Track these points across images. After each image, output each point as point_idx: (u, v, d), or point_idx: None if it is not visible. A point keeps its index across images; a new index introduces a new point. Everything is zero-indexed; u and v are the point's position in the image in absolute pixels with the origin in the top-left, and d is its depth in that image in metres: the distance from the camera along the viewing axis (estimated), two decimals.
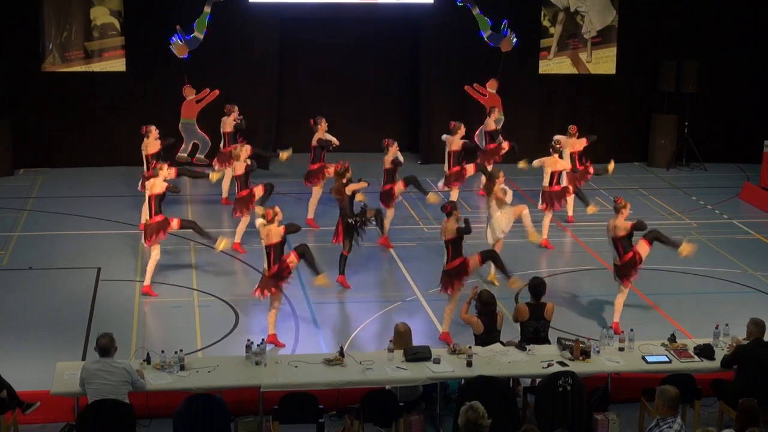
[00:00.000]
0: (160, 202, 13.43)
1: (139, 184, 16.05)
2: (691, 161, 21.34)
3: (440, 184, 16.98)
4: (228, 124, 17.56)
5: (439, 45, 20.99)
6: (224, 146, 17.49)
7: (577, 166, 16.70)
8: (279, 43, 20.60)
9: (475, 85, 20.10)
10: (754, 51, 21.26)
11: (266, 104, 20.37)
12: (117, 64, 20.17)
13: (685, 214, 17.91)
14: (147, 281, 13.59)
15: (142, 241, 13.73)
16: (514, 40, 20.55)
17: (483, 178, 18.23)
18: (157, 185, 13.44)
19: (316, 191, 16.59)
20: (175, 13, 19.74)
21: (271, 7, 20.31)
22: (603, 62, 21.45)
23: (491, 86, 20.26)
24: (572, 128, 16.80)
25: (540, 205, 15.66)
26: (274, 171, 19.42)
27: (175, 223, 13.59)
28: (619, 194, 13.59)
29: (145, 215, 14.12)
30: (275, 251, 11.79)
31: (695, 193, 19.37)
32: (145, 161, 16.19)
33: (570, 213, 17.09)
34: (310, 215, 16.51)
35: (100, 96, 20.11)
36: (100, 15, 20.03)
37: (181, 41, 19.63)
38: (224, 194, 17.81)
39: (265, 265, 11.87)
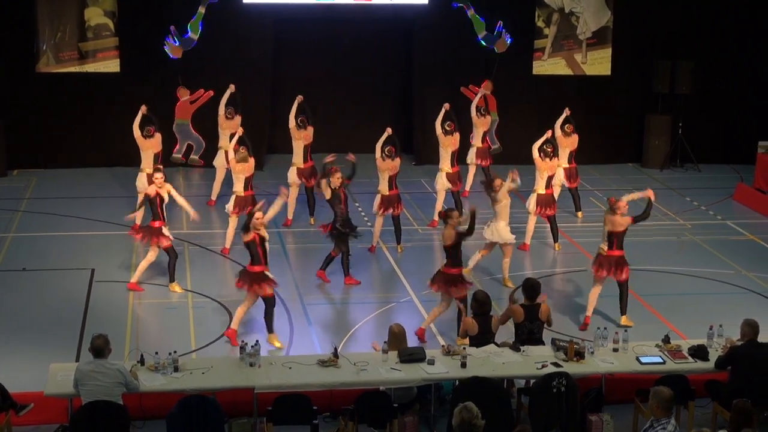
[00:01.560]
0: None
1: (143, 180, 15.98)
2: (684, 162, 21.35)
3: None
4: (232, 125, 17.46)
5: (434, 46, 20.99)
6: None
7: (571, 164, 16.81)
8: (273, 44, 20.60)
9: (470, 86, 20.09)
10: (748, 52, 21.28)
11: (260, 105, 20.37)
12: (111, 65, 20.16)
13: (679, 215, 17.93)
14: (134, 278, 13.70)
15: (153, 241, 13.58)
16: (509, 40, 20.54)
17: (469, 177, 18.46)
18: (167, 192, 13.61)
19: (294, 190, 16.61)
20: (169, 14, 19.68)
21: (265, 8, 20.30)
22: (598, 63, 21.46)
23: (486, 87, 20.25)
24: (569, 127, 16.82)
25: (535, 210, 15.55)
26: (267, 171, 19.47)
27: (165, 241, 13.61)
28: (613, 195, 13.60)
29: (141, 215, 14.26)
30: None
31: (689, 194, 19.39)
32: (154, 159, 16.08)
33: (578, 210, 17.23)
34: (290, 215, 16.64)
35: (94, 97, 20.07)
36: (94, 16, 20.01)
37: (176, 42, 19.58)
38: (213, 196, 17.81)
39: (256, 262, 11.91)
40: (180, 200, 13.87)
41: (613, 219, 12.47)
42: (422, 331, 12.31)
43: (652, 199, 12.77)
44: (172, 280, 13.72)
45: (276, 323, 12.37)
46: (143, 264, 13.66)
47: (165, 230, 13.55)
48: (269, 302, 11.95)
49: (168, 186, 13.72)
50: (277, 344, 11.95)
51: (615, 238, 12.49)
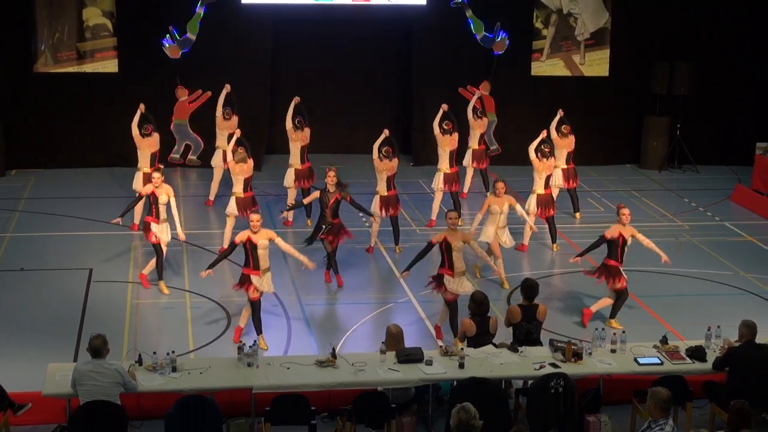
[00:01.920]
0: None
1: (139, 180, 15.99)
2: (683, 163, 21.37)
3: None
4: (229, 126, 17.40)
5: (432, 46, 21.00)
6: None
7: (569, 165, 16.83)
8: (272, 44, 20.60)
9: (468, 87, 20.09)
10: (746, 53, 21.30)
11: (259, 105, 20.37)
12: (109, 65, 20.15)
13: (677, 216, 17.94)
14: (146, 270, 13.76)
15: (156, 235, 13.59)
16: (507, 41, 20.55)
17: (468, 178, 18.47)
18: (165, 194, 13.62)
19: (293, 192, 16.62)
20: (167, 14, 19.70)
21: (263, 8, 20.30)
22: (596, 64, 21.47)
23: (484, 88, 20.27)
24: (566, 128, 16.84)
25: (536, 211, 15.54)
26: (266, 171, 19.46)
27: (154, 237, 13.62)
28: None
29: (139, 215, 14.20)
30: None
31: (687, 195, 19.39)
32: (151, 158, 16.12)
33: (576, 211, 17.26)
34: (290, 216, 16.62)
35: (92, 97, 20.07)
36: (93, 16, 20.00)
37: (174, 42, 19.59)
38: (211, 196, 17.80)
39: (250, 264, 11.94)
40: (174, 212, 13.75)
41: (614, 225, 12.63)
42: (437, 328, 12.39)
43: (662, 260, 12.97)
44: (160, 278, 13.68)
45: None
46: (154, 259, 13.64)
47: (155, 227, 13.48)
48: (253, 306, 11.95)
49: (169, 190, 13.66)
50: (263, 345, 11.94)
51: (610, 246, 12.58)
